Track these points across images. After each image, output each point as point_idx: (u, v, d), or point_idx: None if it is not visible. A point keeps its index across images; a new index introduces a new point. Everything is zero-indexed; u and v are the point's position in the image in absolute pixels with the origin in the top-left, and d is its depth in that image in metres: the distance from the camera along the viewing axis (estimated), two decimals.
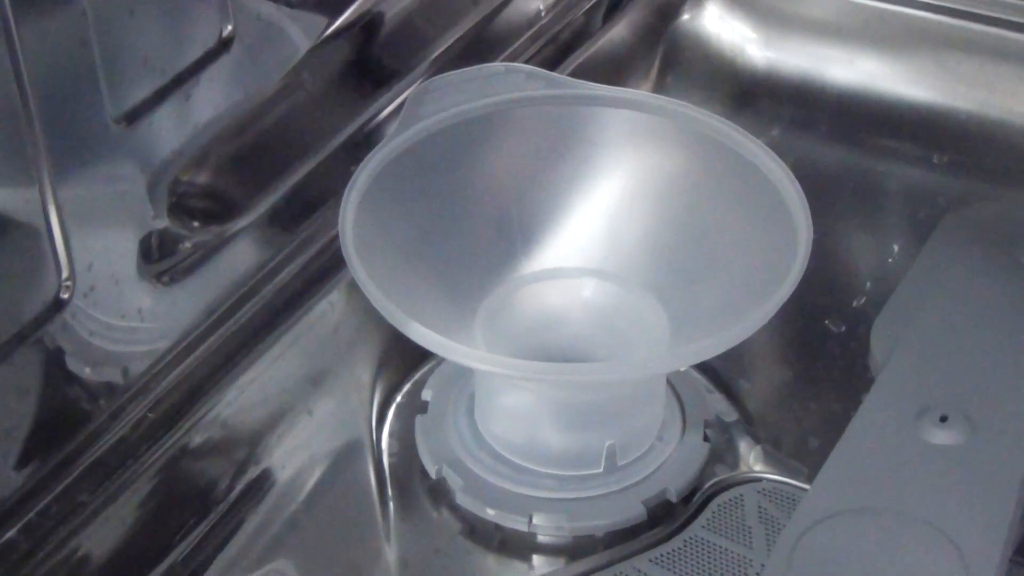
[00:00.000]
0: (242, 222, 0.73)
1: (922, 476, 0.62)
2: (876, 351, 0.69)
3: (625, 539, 0.69)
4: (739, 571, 0.66)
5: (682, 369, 0.73)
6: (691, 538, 0.68)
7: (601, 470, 0.70)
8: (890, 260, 0.82)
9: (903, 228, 0.84)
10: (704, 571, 0.67)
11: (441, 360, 0.74)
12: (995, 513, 0.60)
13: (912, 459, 0.62)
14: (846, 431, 0.64)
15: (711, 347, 0.64)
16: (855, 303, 0.79)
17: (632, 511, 0.69)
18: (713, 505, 0.69)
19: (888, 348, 0.68)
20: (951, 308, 0.70)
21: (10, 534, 0.63)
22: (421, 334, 0.63)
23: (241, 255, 0.73)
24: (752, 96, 0.91)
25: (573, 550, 0.68)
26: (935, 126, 0.87)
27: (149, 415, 0.69)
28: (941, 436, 0.63)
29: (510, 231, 0.74)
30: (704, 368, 0.75)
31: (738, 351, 0.65)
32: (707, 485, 0.70)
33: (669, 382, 0.73)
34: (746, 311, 0.65)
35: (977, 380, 0.65)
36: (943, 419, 0.63)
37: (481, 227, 0.73)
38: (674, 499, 0.70)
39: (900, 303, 0.71)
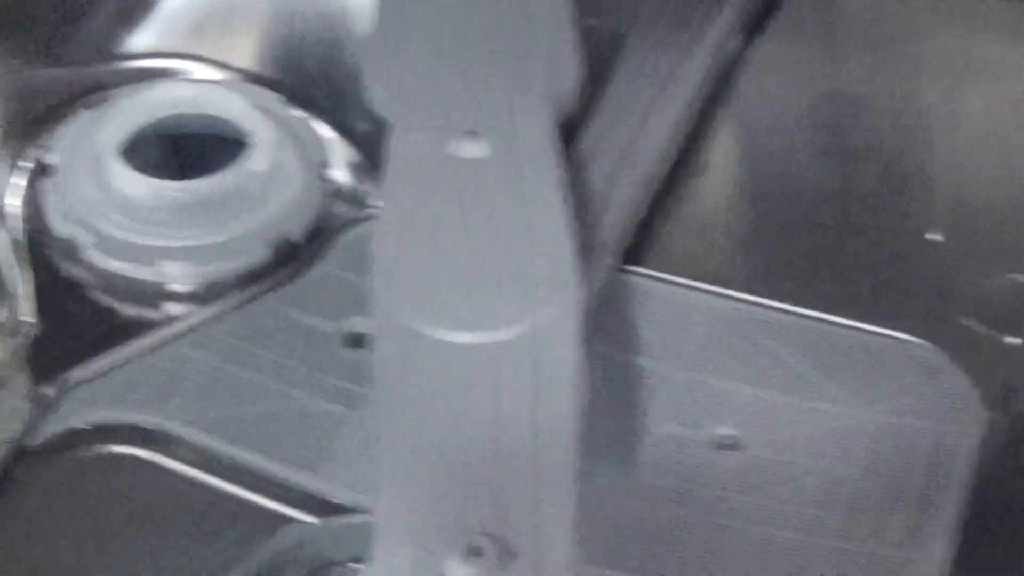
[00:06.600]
0: None
1: (452, 186, 0.64)
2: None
3: (256, 281, 0.71)
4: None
5: None
6: (320, 274, 0.71)
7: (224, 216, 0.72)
8: None
9: None
10: (336, 304, 0.69)
11: (63, 121, 0.75)
12: (550, 214, 0.63)
13: (445, 172, 0.65)
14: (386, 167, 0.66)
15: None
16: None
17: (258, 253, 0.71)
18: (339, 243, 0.72)
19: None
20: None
21: None
22: None
23: None
24: None
25: (205, 296, 0.70)
26: None
27: None
28: (470, 150, 0.66)
29: None
30: (324, 113, 0.77)
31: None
32: (330, 225, 0.73)
33: (289, 125, 0.75)
34: None
35: (492, 100, 0.68)
36: (469, 134, 0.66)
37: None
38: (298, 239, 0.72)
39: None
